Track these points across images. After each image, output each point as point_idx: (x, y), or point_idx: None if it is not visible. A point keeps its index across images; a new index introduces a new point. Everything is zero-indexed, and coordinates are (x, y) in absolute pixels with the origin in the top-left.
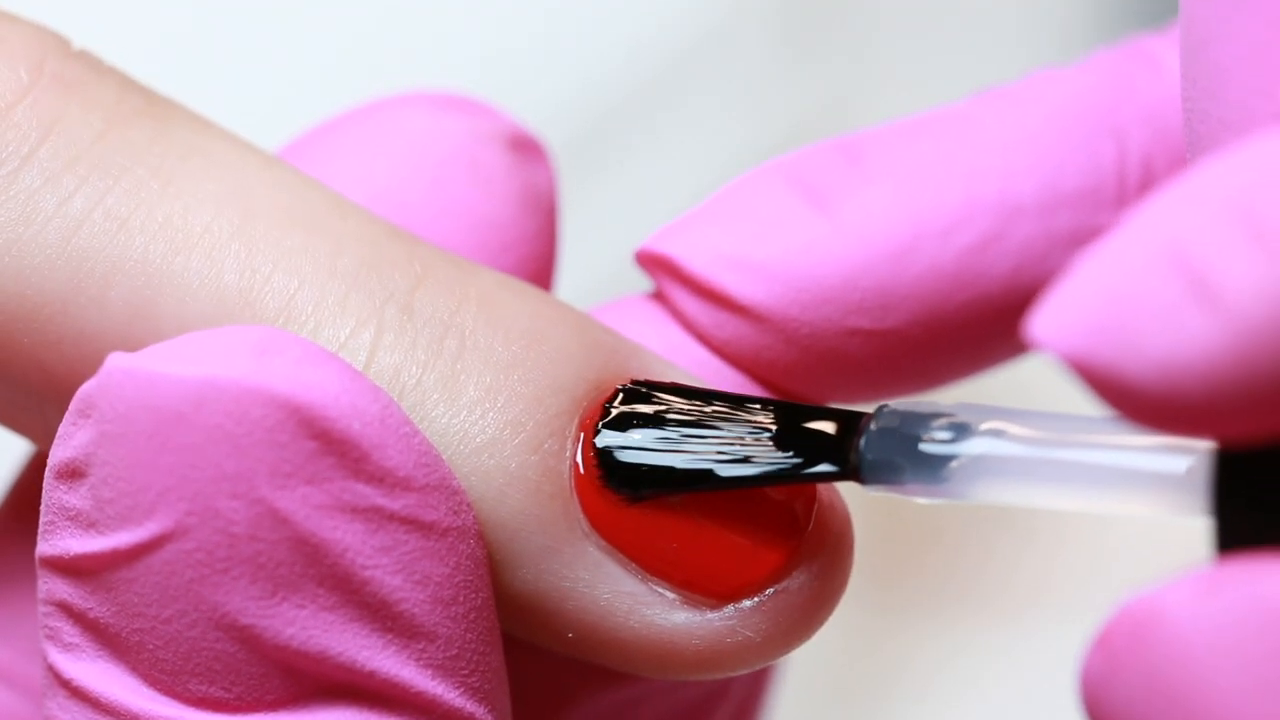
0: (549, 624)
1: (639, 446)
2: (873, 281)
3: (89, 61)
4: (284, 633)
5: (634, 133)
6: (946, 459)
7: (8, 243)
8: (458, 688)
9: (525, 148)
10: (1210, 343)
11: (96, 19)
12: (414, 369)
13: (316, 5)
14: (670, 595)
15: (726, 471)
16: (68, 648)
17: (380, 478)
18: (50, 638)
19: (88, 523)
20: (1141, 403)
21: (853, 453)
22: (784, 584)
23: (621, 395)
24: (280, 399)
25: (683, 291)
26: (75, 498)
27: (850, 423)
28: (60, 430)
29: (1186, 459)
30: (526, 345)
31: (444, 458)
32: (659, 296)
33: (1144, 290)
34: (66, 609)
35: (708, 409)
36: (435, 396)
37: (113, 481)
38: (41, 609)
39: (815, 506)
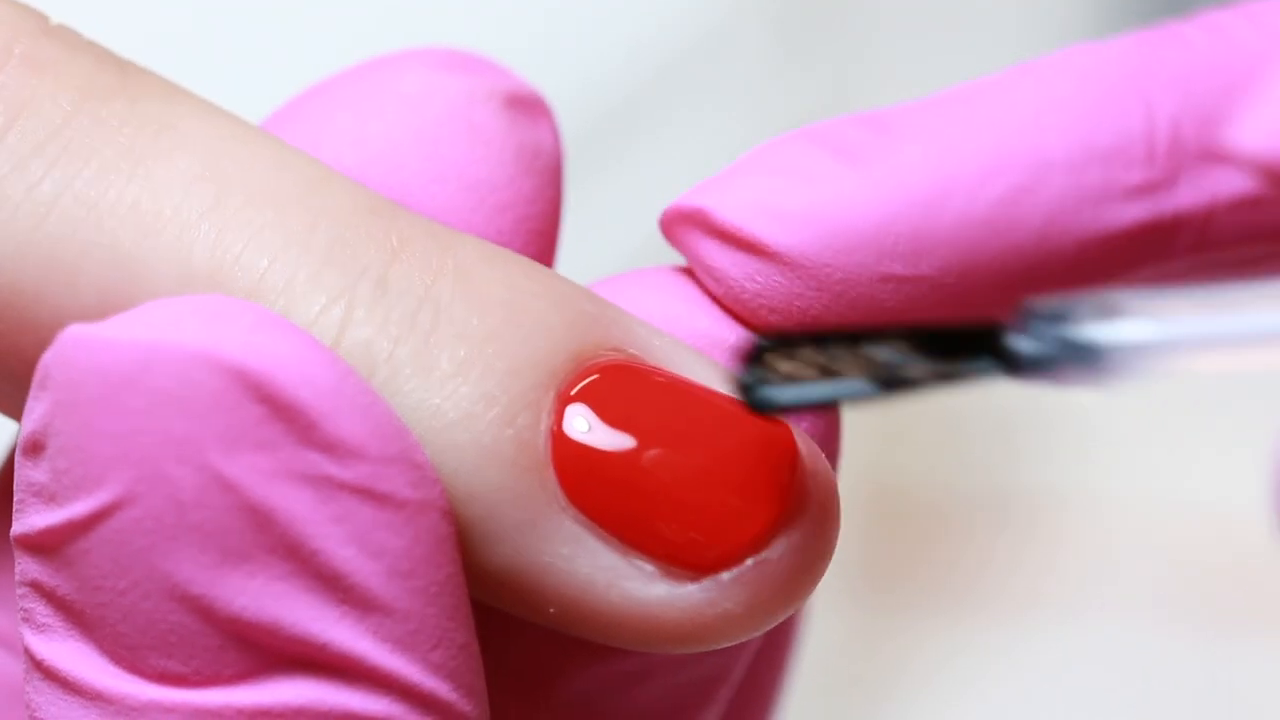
0: (529, 599)
1: (789, 382)
2: (905, 228)
3: (63, 38)
4: (235, 602)
5: (631, 134)
6: (1103, 346)
7: None
8: (418, 663)
9: (526, 105)
10: None
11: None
12: (386, 344)
13: (312, 4)
14: (649, 568)
15: (888, 379)
16: (41, 628)
17: (331, 446)
18: (26, 620)
19: (48, 495)
20: None
21: (1008, 350)
22: (764, 554)
23: (755, 349)
24: (226, 363)
25: (713, 243)
26: (38, 472)
27: (994, 327)
28: (26, 405)
29: None
30: (503, 318)
31: (414, 432)
32: (687, 266)
33: None
34: (38, 588)
35: (844, 340)
36: (408, 371)
37: (67, 451)
38: (18, 591)
39: (797, 472)
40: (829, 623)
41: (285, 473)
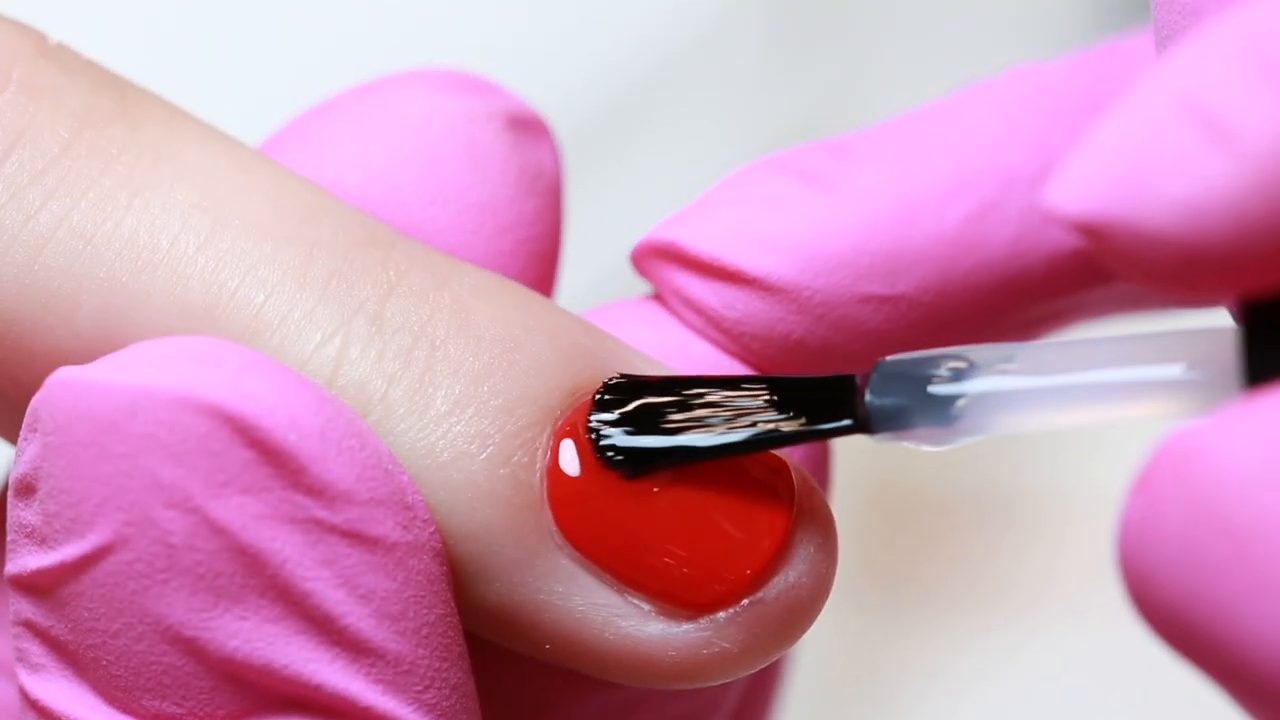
0: (525, 636)
1: (639, 429)
2: (879, 248)
3: (61, 61)
4: (228, 645)
5: (626, 135)
6: (953, 398)
7: None
8: (410, 704)
9: (526, 127)
10: (1230, 183)
11: (86, 5)
12: (380, 382)
13: (312, 6)
14: (645, 606)
15: (734, 437)
16: (35, 668)
17: (320, 490)
18: (20, 659)
19: (40, 538)
20: (1165, 254)
21: (859, 405)
22: (760, 594)
23: (606, 390)
24: (213, 407)
25: (689, 276)
26: (29, 513)
27: (846, 382)
28: (17, 446)
29: (1179, 365)
30: (499, 354)
31: (409, 471)
32: (657, 298)
33: (1159, 141)
34: (31, 628)
35: (702, 390)
36: (402, 410)
37: (56, 494)
38: (11, 630)
39: (793, 513)
40: (829, 623)
41: (274, 516)
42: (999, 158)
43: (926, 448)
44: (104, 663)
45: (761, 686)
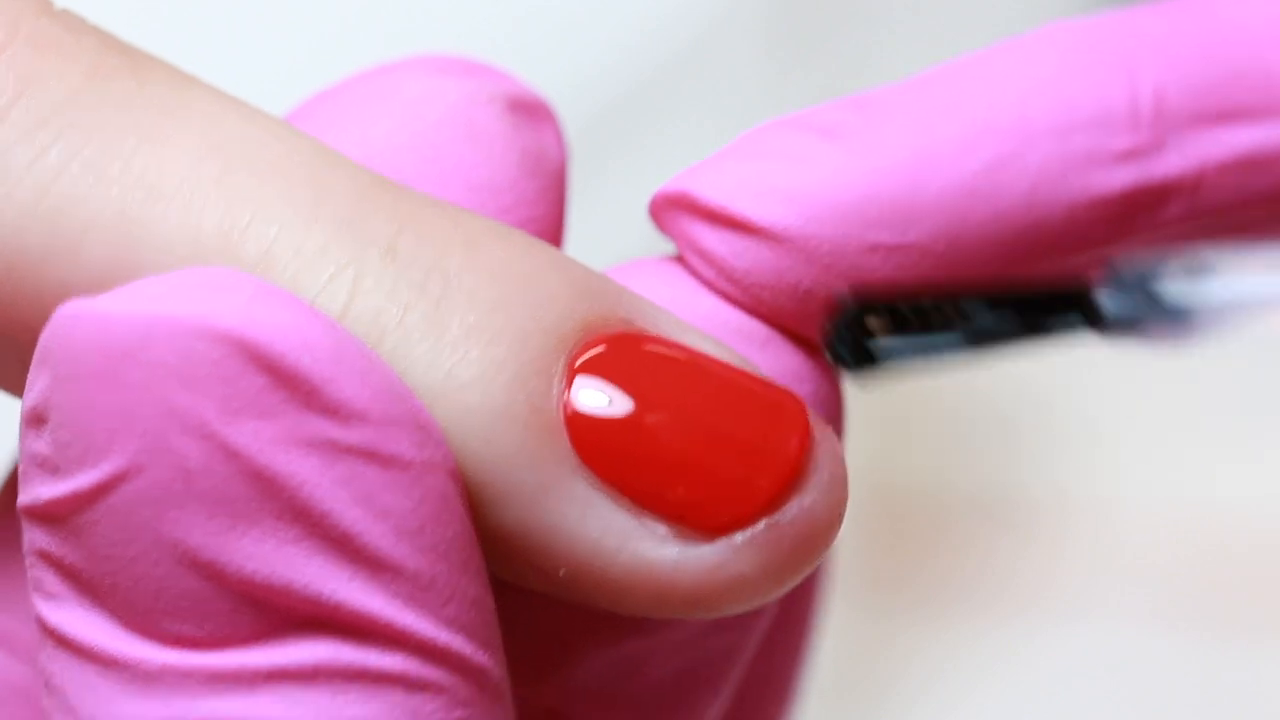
0: (539, 562)
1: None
2: (891, 197)
3: (68, 21)
4: (246, 567)
5: (625, 135)
6: (1188, 305)
7: None
8: (430, 618)
9: (528, 109)
10: None
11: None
12: (395, 310)
13: (301, 7)
14: (661, 530)
15: (980, 324)
16: (50, 596)
17: (334, 410)
18: (37, 589)
19: (52, 468)
20: None
21: (1096, 308)
22: (776, 516)
23: (845, 305)
24: (226, 333)
25: (700, 225)
26: (41, 444)
27: (1082, 285)
28: (28, 378)
29: None
30: (512, 286)
31: (425, 396)
32: (674, 259)
33: None
34: (46, 557)
35: (933, 299)
36: (418, 335)
37: (68, 424)
38: (27, 560)
39: (808, 439)
40: (828, 623)
41: (289, 438)
42: (1021, 109)
43: (1162, 345)
44: (122, 589)
45: (783, 645)
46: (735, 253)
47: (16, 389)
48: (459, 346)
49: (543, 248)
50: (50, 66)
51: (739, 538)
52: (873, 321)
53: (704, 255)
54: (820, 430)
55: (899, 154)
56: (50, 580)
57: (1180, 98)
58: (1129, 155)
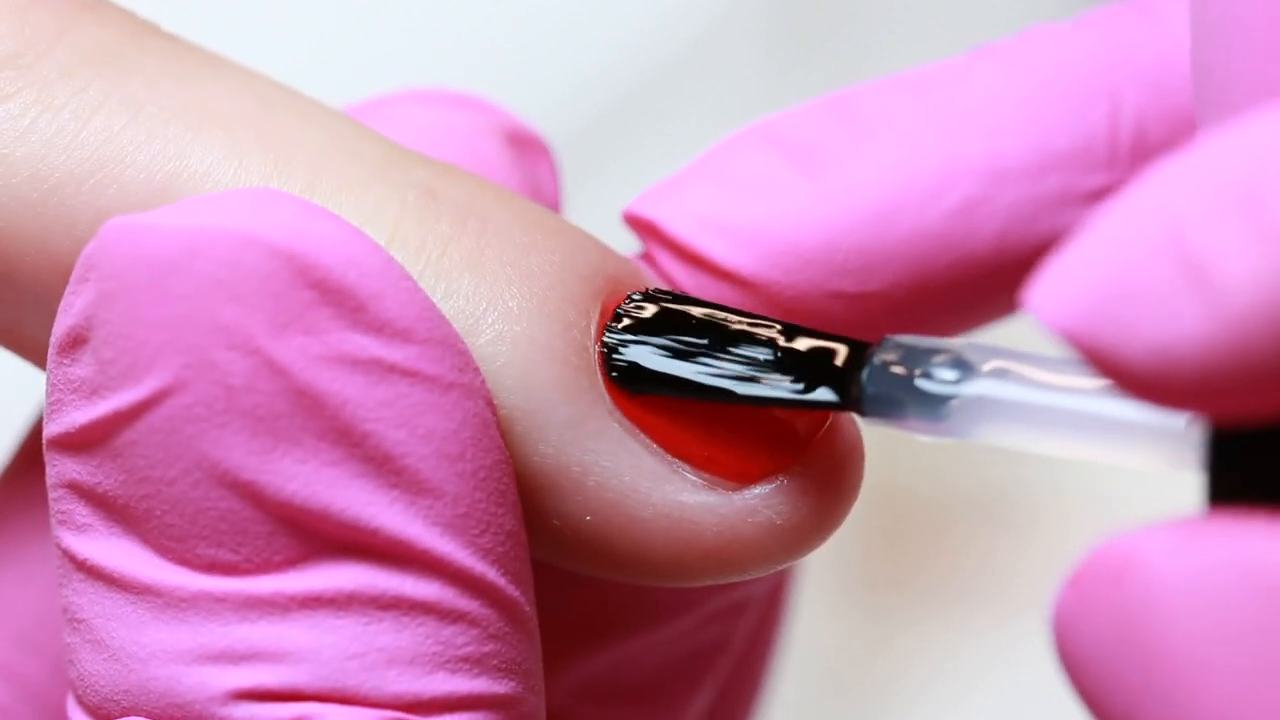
0: (567, 505)
1: (651, 345)
2: (855, 244)
3: None
4: (286, 488)
5: (623, 137)
6: (947, 398)
7: (23, 128)
8: (467, 547)
9: (526, 144)
10: (1203, 330)
11: None
12: (438, 243)
13: (299, 9)
14: (692, 476)
15: (734, 389)
16: (80, 529)
17: (379, 328)
18: (63, 522)
19: (91, 389)
20: (1135, 382)
21: (854, 384)
22: (805, 467)
23: (638, 298)
24: (276, 247)
25: (666, 254)
26: (79, 367)
27: (856, 351)
28: (62, 303)
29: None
30: (547, 234)
31: (466, 326)
32: (646, 257)
33: (1140, 273)
34: (76, 488)
35: (721, 318)
36: (460, 267)
37: (113, 340)
38: (52, 495)
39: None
40: (828, 623)
41: (335, 356)
42: (994, 145)
43: (920, 437)
44: (158, 513)
45: (760, 638)
46: (699, 288)
47: (26, 347)
48: (499, 279)
49: (562, 218)
50: (90, 17)
51: (768, 486)
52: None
53: (670, 282)
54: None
55: (866, 196)
56: (79, 511)
57: (1160, 128)
58: (1102, 194)
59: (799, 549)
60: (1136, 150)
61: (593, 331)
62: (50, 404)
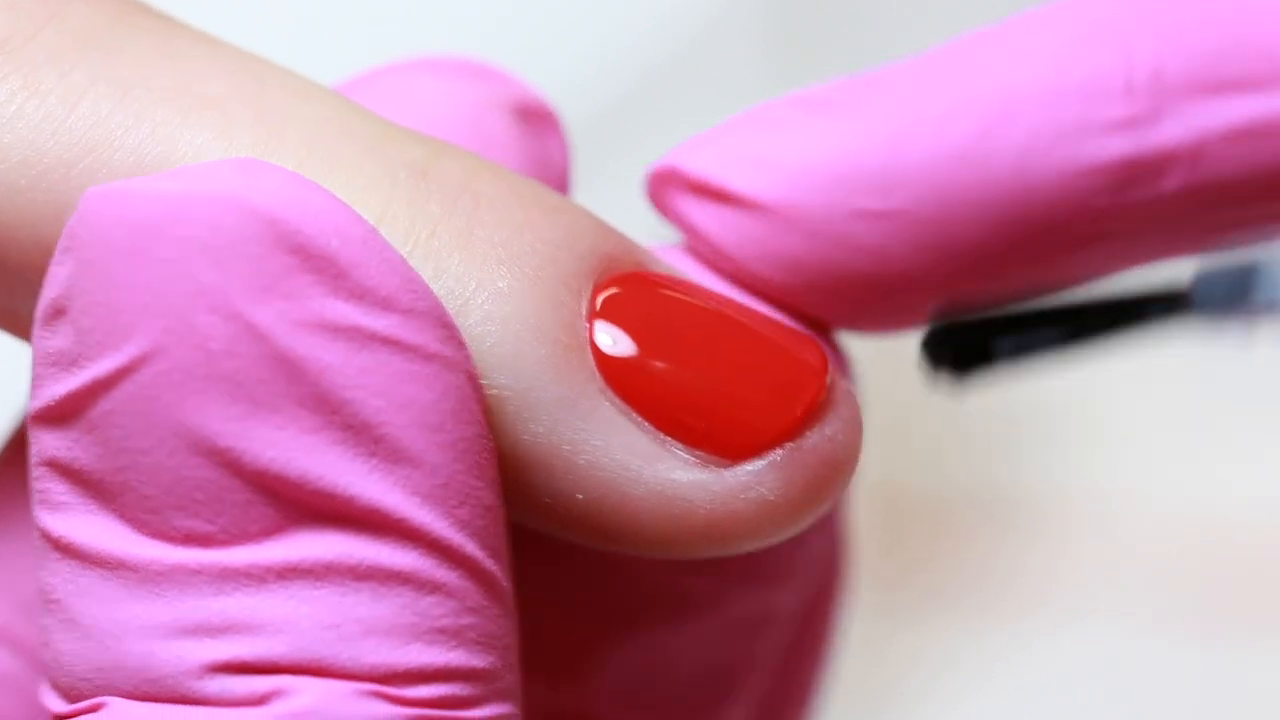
0: (558, 484)
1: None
2: (873, 162)
3: None
4: (264, 455)
5: (621, 139)
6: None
7: (10, 113)
8: (445, 518)
9: (535, 116)
10: None
11: None
12: (427, 224)
13: (293, 6)
14: (684, 454)
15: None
16: (57, 507)
17: (361, 295)
18: (42, 501)
19: (69, 360)
20: None
21: (1190, 299)
22: (798, 443)
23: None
24: (259, 211)
25: (688, 199)
26: (58, 339)
27: (1171, 293)
28: (46, 277)
29: None
30: (542, 211)
31: (456, 305)
32: (678, 247)
33: None
34: (54, 465)
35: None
36: (449, 248)
37: (91, 308)
38: (33, 475)
39: (827, 375)
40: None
41: (316, 322)
42: (1008, 78)
43: (1260, 328)
44: (134, 484)
45: (801, 655)
46: (723, 226)
47: (18, 328)
48: (489, 258)
49: (558, 193)
50: (82, 3)
51: (761, 461)
52: (971, 328)
53: (694, 232)
54: (836, 367)
55: (882, 122)
56: (57, 489)
57: (1179, 68)
58: (1124, 124)
59: (792, 524)
60: (1154, 85)
61: (584, 310)
62: (34, 379)
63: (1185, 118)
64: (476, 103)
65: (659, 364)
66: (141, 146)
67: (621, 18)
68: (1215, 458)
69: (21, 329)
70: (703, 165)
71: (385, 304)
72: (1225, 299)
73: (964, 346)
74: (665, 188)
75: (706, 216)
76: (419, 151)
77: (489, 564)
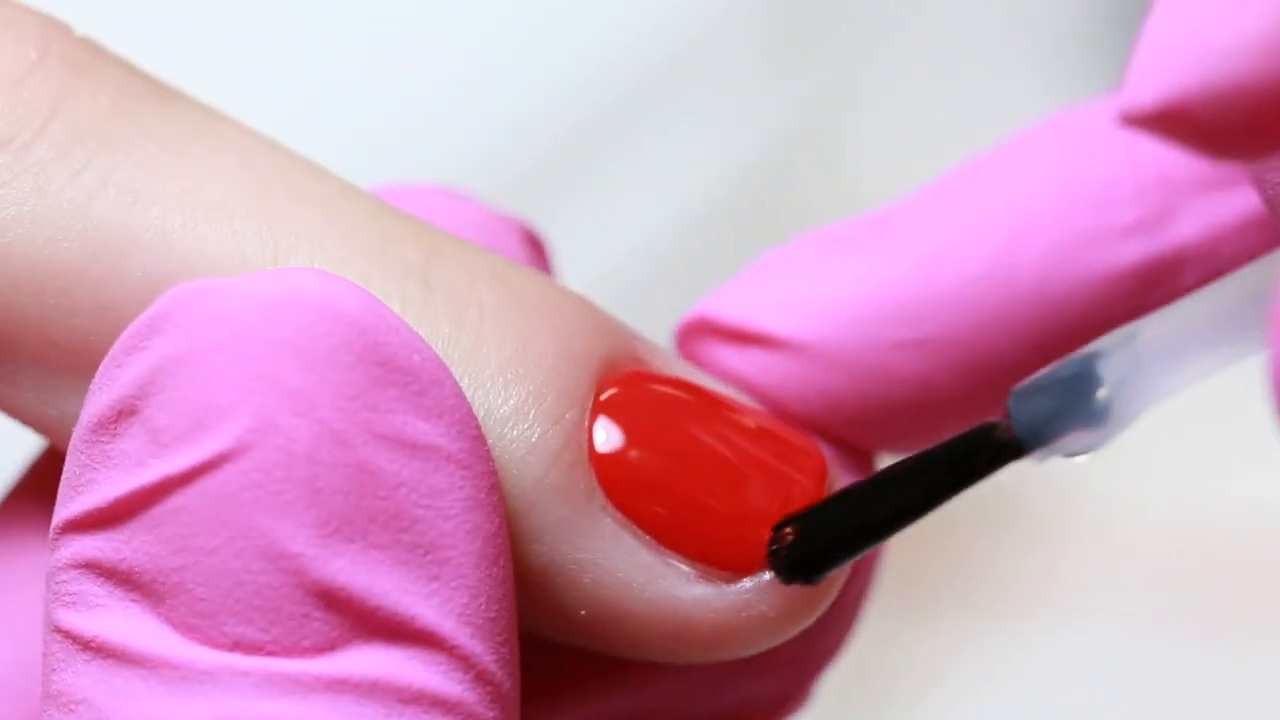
0: (562, 600)
1: (827, 531)
2: (904, 293)
3: (93, 47)
4: (332, 565)
5: (619, 140)
6: (1098, 383)
7: (21, 215)
8: (494, 652)
9: (533, 243)
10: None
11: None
12: (439, 343)
13: (289, 9)
14: (685, 569)
15: (909, 495)
16: (93, 608)
17: (438, 415)
18: (71, 604)
19: (136, 460)
20: (1243, 105)
21: (1002, 430)
22: None
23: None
24: (349, 318)
25: (723, 347)
26: (123, 441)
27: (980, 428)
28: (101, 376)
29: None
30: (540, 318)
31: None
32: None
33: (1201, 10)
34: (94, 566)
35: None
36: (460, 369)
37: (175, 403)
38: (58, 579)
39: (825, 480)
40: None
41: (397, 437)
42: (1021, 200)
43: (1081, 457)
44: (189, 585)
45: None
46: (762, 370)
47: (30, 418)
48: (497, 380)
49: (556, 283)
50: (83, 87)
51: (762, 579)
52: (809, 530)
53: (731, 378)
54: (834, 473)
55: (907, 256)
56: (93, 591)
57: (1185, 166)
58: (1138, 227)
59: (790, 633)
60: (1163, 184)
61: (586, 420)
62: (72, 485)
63: (1197, 213)
64: (494, 225)
65: (657, 468)
66: (157, 260)
67: (620, 18)
68: (1215, 458)
69: (15, 413)
70: (735, 311)
71: (460, 427)
72: (1052, 418)
73: (808, 553)
74: (698, 338)
75: (744, 362)
76: (418, 255)
77: (514, 691)
